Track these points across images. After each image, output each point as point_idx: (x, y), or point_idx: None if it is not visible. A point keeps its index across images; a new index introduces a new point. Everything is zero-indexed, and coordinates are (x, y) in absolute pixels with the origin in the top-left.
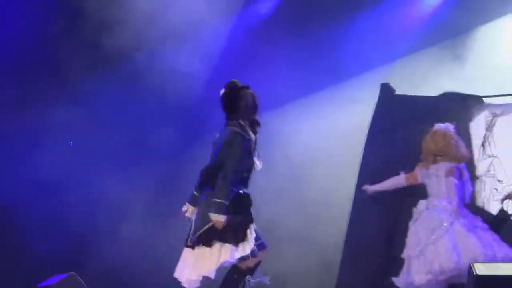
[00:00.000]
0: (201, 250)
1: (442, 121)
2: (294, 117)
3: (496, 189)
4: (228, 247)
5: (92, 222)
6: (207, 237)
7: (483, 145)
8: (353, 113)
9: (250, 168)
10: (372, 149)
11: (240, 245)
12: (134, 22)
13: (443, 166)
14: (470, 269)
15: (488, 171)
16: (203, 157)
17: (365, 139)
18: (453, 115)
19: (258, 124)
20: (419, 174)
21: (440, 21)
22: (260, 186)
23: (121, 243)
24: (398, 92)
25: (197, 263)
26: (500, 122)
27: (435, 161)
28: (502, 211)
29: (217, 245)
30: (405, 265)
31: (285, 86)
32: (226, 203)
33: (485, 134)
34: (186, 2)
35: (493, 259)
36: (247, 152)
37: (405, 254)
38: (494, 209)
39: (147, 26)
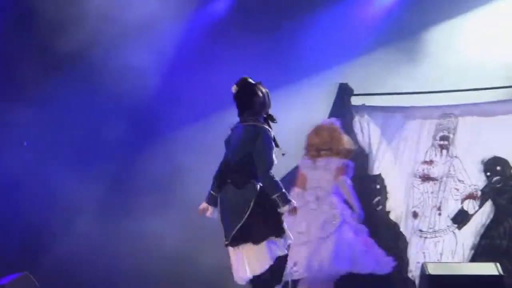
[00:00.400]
0: (249, 248)
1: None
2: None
3: (457, 189)
4: (276, 241)
5: (46, 220)
6: (251, 233)
7: (447, 147)
8: (310, 110)
9: None
10: None
11: (283, 238)
12: (89, 21)
13: (333, 161)
14: (422, 268)
15: (449, 171)
16: (157, 154)
17: None
18: None
19: (273, 119)
20: (302, 165)
21: (396, 21)
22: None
23: (75, 241)
24: (356, 91)
25: (250, 261)
26: (461, 123)
27: (319, 155)
28: (462, 211)
29: (264, 242)
30: None
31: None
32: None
33: (448, 136)
34: (142, 2)
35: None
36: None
37: None
38: (453, 208)
39: (102, 25)
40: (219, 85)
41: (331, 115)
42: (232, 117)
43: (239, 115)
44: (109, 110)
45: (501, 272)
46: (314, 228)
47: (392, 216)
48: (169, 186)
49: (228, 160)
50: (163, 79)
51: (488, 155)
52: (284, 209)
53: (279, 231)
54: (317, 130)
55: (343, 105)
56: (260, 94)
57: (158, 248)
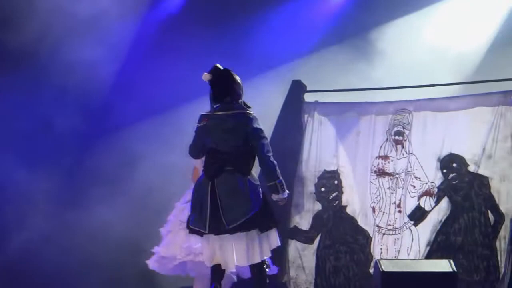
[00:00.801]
0: (252, 236)
1: None
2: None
3: (414, 186)
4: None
5: None
6: (257, 221)
7: (402, 143)
8: (263, 106)
9: None
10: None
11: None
12: (39, 14)
13: None
14: (376, 265)
15: (406, 168)
16: (109, 148)
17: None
18: None
19: (248, 106)
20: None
21: (349, 18)
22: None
23: (28, 234)
24: (309, 88)
25: (249, 250)
26: (415, 119)
27: None
28: (419, 208)
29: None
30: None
31: (198, 79)
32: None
33: (403, 131)
34: None
35: None
36: None
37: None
38: (410, 205)
39: (53, 18)
40: (173, 79)
41: (284, 111)
42: (186, 109)
43: (217, 102)
44: (61, 102)
45: (454, 269)
46: None
47: (348, 211)
48: (121, 178)
49: (216, 148)
50: (116, 72)
51: (444, 152)
52: (279, 196)
53: (276, 222)
54: None
55: (295, 101)
56: (238, 80)
57: (107, 238)
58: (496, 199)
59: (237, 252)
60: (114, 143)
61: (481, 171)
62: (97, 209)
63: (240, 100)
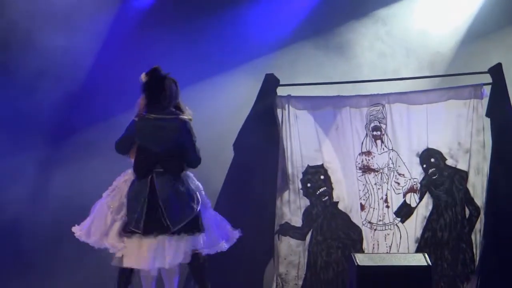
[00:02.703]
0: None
1: None
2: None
3: (398, 183)
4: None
5: None
6: (197, 224)
7: (380, 138)
8: (237, 100)
9: None
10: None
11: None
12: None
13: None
14: (351, 259)
15: (388, 164)
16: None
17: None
18: None
19: (182, 110)
20: None
21: (321, 12)
22: None
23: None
24: (282, 82)
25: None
26: (390, 113)
27: None
28: (405, 205)
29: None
30: None
31: (175, 70)
32: None
33: (380, 126)
34: None
35: None
36: None
37: None
38: (397, 201)
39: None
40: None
41: (257, 105)
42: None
43: (151, 105)
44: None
45: (429, 263)
46: None
47: (340, 207)
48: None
49: (148, 149)
50: (93, 61)
51: (422, 147)
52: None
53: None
54: None
55: (269, 95)
56: (173, 85)
57: None
58: (471, 193)
59: (157, 254)
60: (90, 132)
61: (460, 166)
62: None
63: (172, 107)
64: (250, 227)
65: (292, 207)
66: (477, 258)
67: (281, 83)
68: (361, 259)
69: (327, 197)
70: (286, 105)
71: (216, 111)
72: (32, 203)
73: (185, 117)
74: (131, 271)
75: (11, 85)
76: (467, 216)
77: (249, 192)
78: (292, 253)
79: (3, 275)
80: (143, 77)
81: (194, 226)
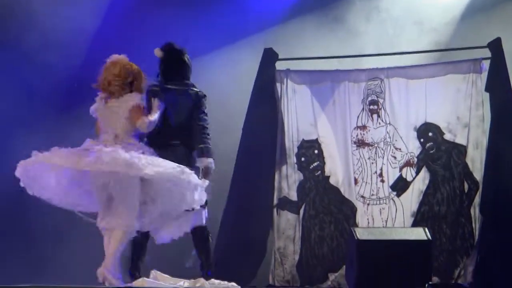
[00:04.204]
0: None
1: None
2: None
3: (394, 157)
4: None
5: None
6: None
7: (377, 112)
8: (237, 76)
9: None
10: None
11: None
12: None
13: (127, 99)
14: (351, 233)
15: (384, 138)
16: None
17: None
18: None
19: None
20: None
21: None
22: None
23: None
24: (281, 56)
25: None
26: (388, 87)
27: (120, 93)
28: (401, 179)
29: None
30: None
31: None
32: None
33: (377, 100)
34: None
35: None
36: None
37: None
38: (394, 176)
39: None
40: (147, 50)
41: (257, 80)
42: None
43: (168, 78)
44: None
45: (430, 237)
46: None
47: (332, 181)
48: None
49: (167, 121)
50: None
51: (420, 121)
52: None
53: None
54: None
55: (268, 70)
56: (188, 61)
57: None
58: (470, 167)
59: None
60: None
61: (458, 140)
62: None
63: (187, 81)
64: (251, 202)
65: (289, 181)
66: (477, 233)
67: (280, 57)
68: (361, 233)
69: (319, 171)
70: (285, 79)
71: (219, 86)
72: None
73: (198, 90)
74: (146, 238)
75: (12, 58)
76: (466, 190)
77: (248, 165)
78: (290, 227)
79: (13, 245)
80: (157, 51)
81: None
